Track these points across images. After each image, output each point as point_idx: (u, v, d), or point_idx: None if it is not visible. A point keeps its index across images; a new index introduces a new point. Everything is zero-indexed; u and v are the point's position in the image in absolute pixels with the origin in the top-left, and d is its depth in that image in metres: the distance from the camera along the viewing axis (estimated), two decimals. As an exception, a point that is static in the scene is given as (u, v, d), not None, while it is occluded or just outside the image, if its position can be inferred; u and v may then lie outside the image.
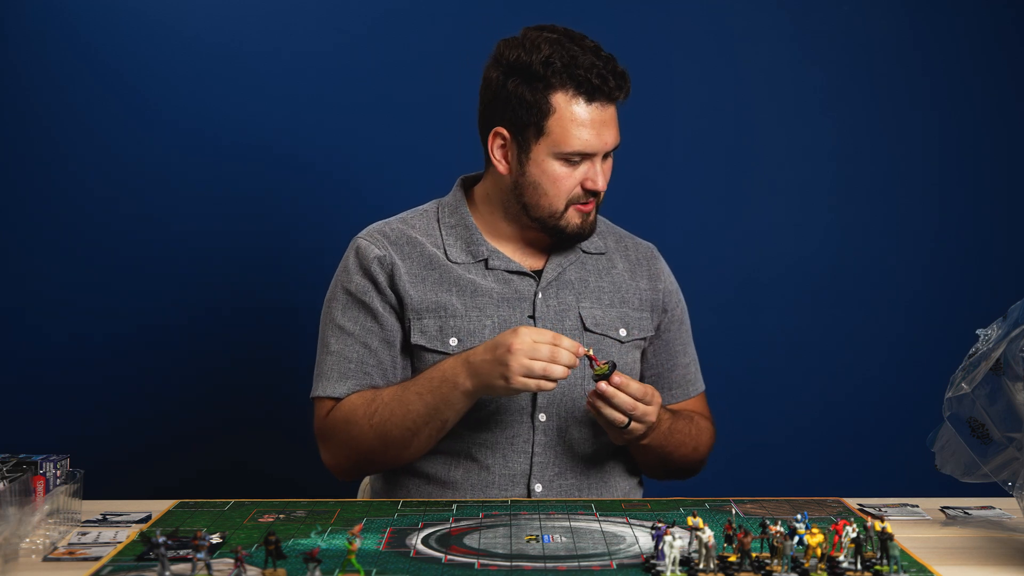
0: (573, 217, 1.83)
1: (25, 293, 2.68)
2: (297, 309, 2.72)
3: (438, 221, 1.91)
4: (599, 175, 1.80)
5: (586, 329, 1.87)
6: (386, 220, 1.94)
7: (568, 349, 1.69)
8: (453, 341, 1.83)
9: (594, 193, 1.82)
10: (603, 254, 1.95)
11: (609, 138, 1.80)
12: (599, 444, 1.88)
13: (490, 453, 1.84)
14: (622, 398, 1.71)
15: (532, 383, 1.68)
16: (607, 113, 1.79)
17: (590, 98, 1.77)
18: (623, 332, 1.90)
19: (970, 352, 1.62)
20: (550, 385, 1.70)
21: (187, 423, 2.73)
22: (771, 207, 2.81)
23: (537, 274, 1.89)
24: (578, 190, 1.81)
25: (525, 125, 1.80)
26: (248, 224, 2.72)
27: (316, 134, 2.71)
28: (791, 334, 2.82)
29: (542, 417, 1.84)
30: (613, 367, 1.72)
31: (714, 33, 2.78)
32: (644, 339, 1.94)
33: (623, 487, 1.92)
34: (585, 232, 1.86)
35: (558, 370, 1.68)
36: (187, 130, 2.68)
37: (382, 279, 1.85)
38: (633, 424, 1.75)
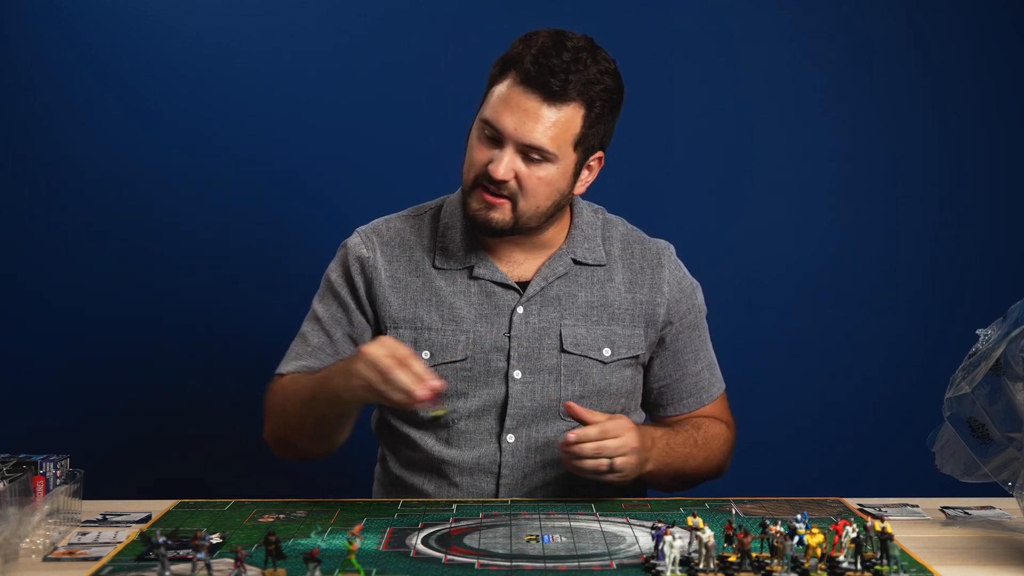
0: (474, 200, 1.76)
1: (25, 293, 2.68)
2: (297, 309, 2.71)
3: (438, 220, 1.88)
4: (500, 162, 1.71)
5: (564, 350, 1.81)
6: (391, 216, 1.93)
7: (404, 381, 1.57)
8: (426, 355, 1.81)
9: (493, 181, 1.73)
10: (602, 266, 1.87)
11: (524, 129, 1.70)
12: None
13: (458, 471, 1.82)
14: (583, 447, 1.64)
15: (370, 396, 1.62)
16: (532, 104, 1.71)
17: (522, 81, 1.71)
18: (607, 352, 1.83)
19: (970, 352, 1.62)
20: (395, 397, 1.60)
21: (187, 423, 2.73)
22: (771, 207, 2.81)
23: (523, 286, 1.83)
24: (484, 170, 1.74)
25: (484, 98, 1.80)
26: (248, 224, 2.71)
27: (316, 134, 2.71)
28: (791, 334, 2.82)
29: (510, 438, 1.81)
30: (449, 415, 1.76)
31: (714, 33, 2.78)
32: (635, 357, 1.87)
33: None
34: (479, 221, 1.77)
35: (393, 394, 1.58)
36: (187, 130, 2.68)
37: (359, 281, 1.86)
38: (617, 461, 1.66)
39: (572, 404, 1.71)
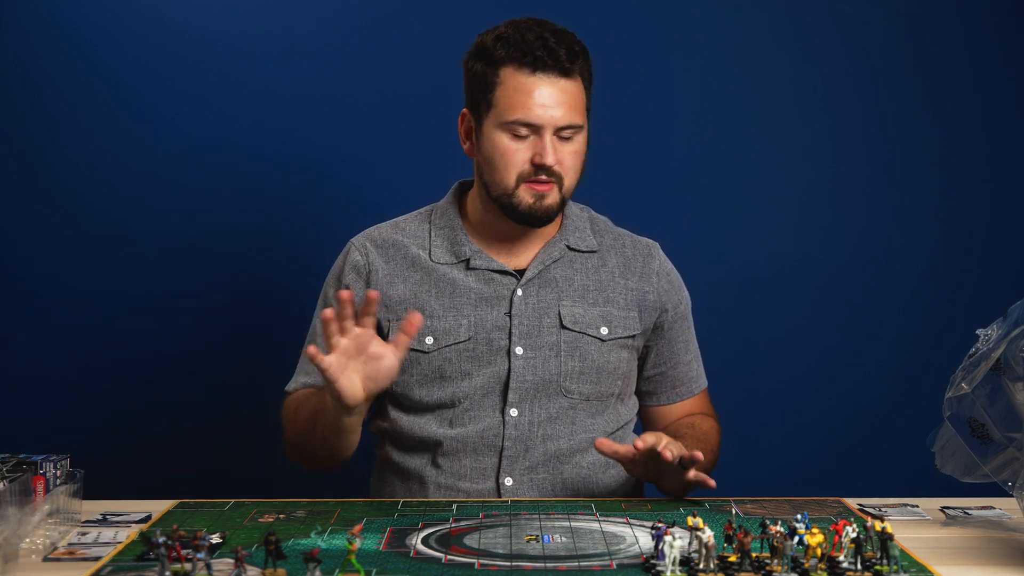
0: (525, 195, 1.81)
1: (24, 293, 2.68)
2: (297, 309, 2.71)
3: (429, 223, 1.94)
4: (548, 150, 1.77)
5: (563, 327, 1.87)
6: (380, 225, 1.98)
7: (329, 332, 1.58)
8: (429, 340, 1.85)
9: (545, 169, 1.79)
10: (595, 252, 1.94)
11: (558, 112, 1.77)
12: (575, 440, 1.87)
13: (461, 449, 1.85)
14: (646, 442, 1.67)
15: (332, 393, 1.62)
16: (555, 86, 1.78)
17: (534, 69, 1.77)
18: (604, 331, 1.89)
19: (970, 352, 1.62)
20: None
21: (187, 423, 2.73)
22: (771, 207, 2.81)
23: (520, 273, 1.89)
24: (528, 166, 1.79)
25: (479, 101, 1.83)
26: (248, 224, 2.71)
27: (315, 133, 2.71)
28: (791, 334, 2.82)
29: (513, 412, 1.85)
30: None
31: (714, 33, 2.78)
32: (631, 337, 1.92)
33: (607, 483, 1.88)
34: (538, 214, 1.82)
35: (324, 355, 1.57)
36: (186, 129, 2.68)
37: (359, 287, 1.89)
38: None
39: (603, 440, 1.71)
